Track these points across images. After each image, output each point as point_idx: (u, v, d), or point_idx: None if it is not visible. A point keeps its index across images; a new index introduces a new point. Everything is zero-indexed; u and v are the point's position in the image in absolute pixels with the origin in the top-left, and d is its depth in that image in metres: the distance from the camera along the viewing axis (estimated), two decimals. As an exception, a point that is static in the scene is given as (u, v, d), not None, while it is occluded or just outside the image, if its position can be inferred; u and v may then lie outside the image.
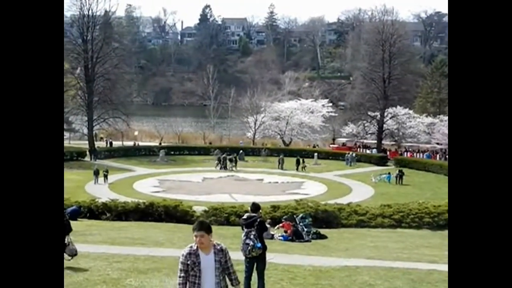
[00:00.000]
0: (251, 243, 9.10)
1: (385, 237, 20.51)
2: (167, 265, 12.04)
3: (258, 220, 9.48)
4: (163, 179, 43.12)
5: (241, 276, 10.40)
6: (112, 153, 57.90)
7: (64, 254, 11.87)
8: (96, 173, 39.85)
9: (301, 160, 50.00)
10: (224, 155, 51.68)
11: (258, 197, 34.95)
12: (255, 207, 9.81)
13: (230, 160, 50.65)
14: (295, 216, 21.19)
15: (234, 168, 49.85)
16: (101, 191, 36.16)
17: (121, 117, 61.52)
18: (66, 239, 12.17)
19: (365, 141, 65.37)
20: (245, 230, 9.28)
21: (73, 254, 12.25)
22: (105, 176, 40.03)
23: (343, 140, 68.52)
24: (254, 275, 9.57)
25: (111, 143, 64.44)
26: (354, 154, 55.54)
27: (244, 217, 9.57)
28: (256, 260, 9.34)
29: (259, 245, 9.22)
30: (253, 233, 9.20)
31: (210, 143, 67.39)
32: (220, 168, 49.70)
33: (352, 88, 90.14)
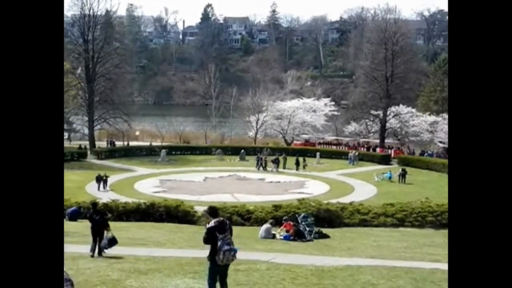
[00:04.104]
0: (232, 247, 8.49)
1: (387, 236, 20.40)
2: (168, 265, 11.96)
3: (228, 222, 8.91)
4: (164, 179, 43.04)
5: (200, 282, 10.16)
6: (113, 153, 57.76)
7: (106, 243, 13.64)
8: (99, 179, 38.44)
9: (301, 160, 49.73)
10: (262, 156, 50.63)
11: (260, 197, 34.99)
12: (215, 211, 9.09)
13: (273, 162, 48.91)
14: (297, 215, 21.10)
15: (276, 169, 48.31)
16: (102, 192, 36.14)
17: (122, 117, 61.51)
18: (105, 233, 13.68)
19: (362, 139, 66.02)
20: (220, 236, 8.49)
21: (111, 244, 13.72)
22: (105, 181, 38.53)
23: (306, 136, 69.22)
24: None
25: (113, 143, 64.23)
26: (357, 153, 55.46)
27: (213, 224, 8.68)
28: (224, 267, 8.68)
29: (237, 248, 8.65)
30: (229, 237, 8.58)
31: (188, 142, 67.72)
32: (259, 169, 48.82)
33: (355, 87, 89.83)
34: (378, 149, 60.83)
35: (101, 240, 13.74)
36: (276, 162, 48.85)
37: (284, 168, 49.37)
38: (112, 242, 13.77)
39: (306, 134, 69.30)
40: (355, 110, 68.05)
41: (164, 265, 11.97)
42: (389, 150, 60.09)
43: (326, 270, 11.70)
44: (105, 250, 13.66)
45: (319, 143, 66.70)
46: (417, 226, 23.87)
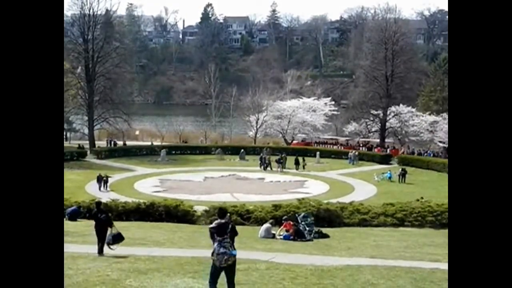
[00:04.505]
0: (227, 251, 8.49)
1: (387, 236, 20.38)
2: (168, 265, 11.94)
3: (231, 225, 8.90)
4: (164, 179, 43.03)
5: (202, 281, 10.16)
6: (113, 152, 57.71)
7: (111, 239, 13.74)
8: (100, 180, 38.12)
9: (300, 160, 49.69)
10: (266, 156, 50.35)
11: (260, 196, 34.97)
12: (222, 212, 9.18)
13: (278, 161, 48.67)
14: (297, 215, 21.07)
15: (280, 169, 48.11)
16: (102, 192, 36.07)
17: (122, 117, 61.50)
18: (109, 231, 13.74)
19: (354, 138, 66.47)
20: (217, 238, 8.57)
21: (116, 240, 13.80)
22: (105, 182, 38.19)
23: (302, 136, 69.48)
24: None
25: (115, 143, 64.01)
26: (357, 153, 55.46)
27: (214, 225, 8.79)
28: (227, 268, 8.64)
29: (234, 252, 8.61)
30: (227, 240, 8.57)
31: (186, 142, 67.64)
32: (264, 168, 48.67)
33: (355, 86, 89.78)
34: (375, 149, 60.87)
35: (105, 238, 13.84)
36: (280, 162, 48.76)
37: (284, 168, 49.29)
38: (117, 238, 13.86)
39: (302, 134, 69.30)
40: (355, 109, 68.08)
41: (164, 265, 11.95)
42: (387, 150, 60.18)
43: (325, 270, 11.68)
44: (110, 247, 13.73)
45: (315, 142, 66.81)
46: (417, 226, 23.83)
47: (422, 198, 30.93)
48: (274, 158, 49.92)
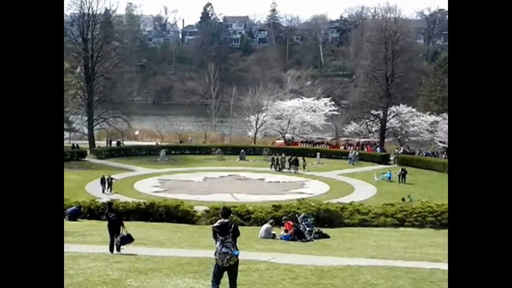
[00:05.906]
0: (229, 251, 8.52)
1: (387, 236, 20.39)
2: (168, 265, 11.95)
3: (233, 225, 8.91)
4: (164, 179, 43.03)
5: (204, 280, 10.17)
6: (113, 152, 57.63)
7: (120, 240, 13.94)
8: (103, 181, 37.74)
9: (300, 160, 49.60)
10: (279, 156, 50.28)
11: (260, 197, 34.98)
12: (226, 211, 9.13)
13: (292, 162, 48.59)
14: (297, 215, 21.07)
15: (295, 171, 47.95)
16: (105, 194, 35.98)
17: (122, 117, 61.45)
18: (121, 231, 14.02)
19: (349, 138, 66.34)
20: (220, 238, 8.63)
21: (127, 241, 14.07)
22: (109, 184, 37.76)
23: (288, 136, 69.36)
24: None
25: (118, 143, 63.69)
26: (357, 153, 55.46)
27: (217, 224, 8.85)
28: (229, 268, 8.68)
29: (237, 252, 8.63)
30: (229, 240, 8.61)
31: (182, 142, 67.68)
32: (279, 170, 48.57)
33: (355, 86, 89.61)
34: (366, 149, 60.91)
35: (117, 236, 14.09)
36: (293, 163, 48.66)
37: (283, 168, 49.25)
38: (125, 239, 14.08)
39: (287, 134, 69.08)
40: (355, 109, 68.07)
41: (164, 265, 11.96)
42: (378, 149, 60.08)
43: (326, 270, 11.68)
44: (120, 248, 14.00)
45: (302, 142, 66.81)
46: (417, 226, 23.85)
47: (409, 196, 31.26)
48: (287, 159, 49.68)
